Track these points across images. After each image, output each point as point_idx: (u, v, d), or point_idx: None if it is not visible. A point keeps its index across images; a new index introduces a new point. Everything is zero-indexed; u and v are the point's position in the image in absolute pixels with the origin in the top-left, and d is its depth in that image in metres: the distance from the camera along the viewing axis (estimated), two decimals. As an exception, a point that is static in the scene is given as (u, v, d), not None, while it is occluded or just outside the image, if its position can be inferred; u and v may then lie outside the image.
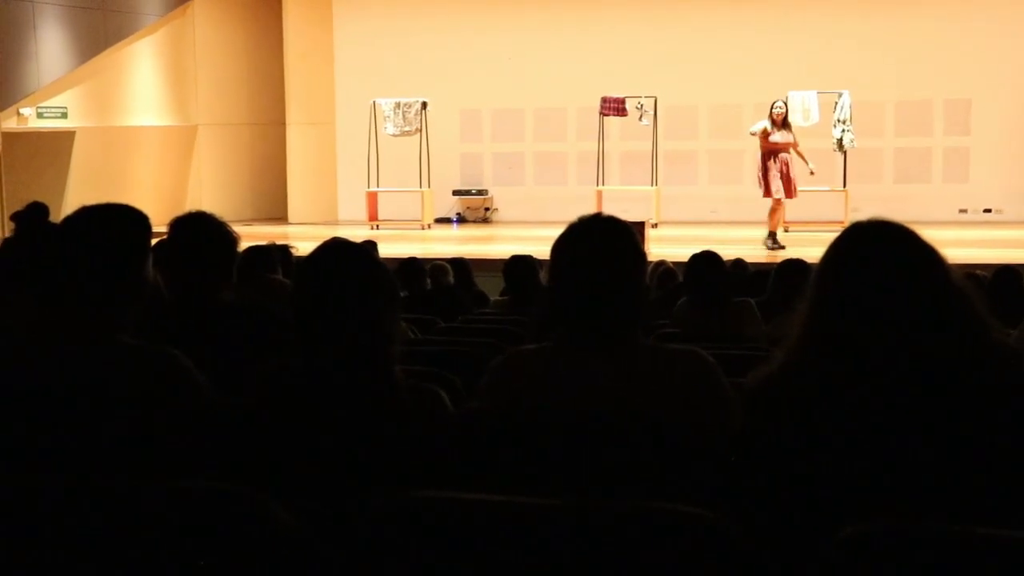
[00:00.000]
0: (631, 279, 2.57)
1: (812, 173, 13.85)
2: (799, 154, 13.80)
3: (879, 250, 2.18)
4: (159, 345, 2.70)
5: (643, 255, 2.65)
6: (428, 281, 7.81)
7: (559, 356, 2.61)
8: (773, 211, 13.82)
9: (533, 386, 2.58)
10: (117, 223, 2.78)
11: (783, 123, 13.74)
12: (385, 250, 9.00)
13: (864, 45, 16.82)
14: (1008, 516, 1.94)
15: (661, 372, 2.54)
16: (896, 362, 2.08)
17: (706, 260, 5.70)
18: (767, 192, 13.77)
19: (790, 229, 15.08)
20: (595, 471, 2.32)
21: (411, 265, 7.68)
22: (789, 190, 13.72)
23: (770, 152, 13.73)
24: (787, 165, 13.68)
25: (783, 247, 13.39)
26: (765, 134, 13.69)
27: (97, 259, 2.70)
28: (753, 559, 1.75)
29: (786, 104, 14.07)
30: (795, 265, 6.07)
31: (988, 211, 16.88)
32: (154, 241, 2.92)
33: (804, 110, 15.67)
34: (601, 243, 2.58)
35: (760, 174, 13.82)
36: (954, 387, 2.05)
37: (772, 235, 13.69)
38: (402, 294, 7.37)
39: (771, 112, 13.75)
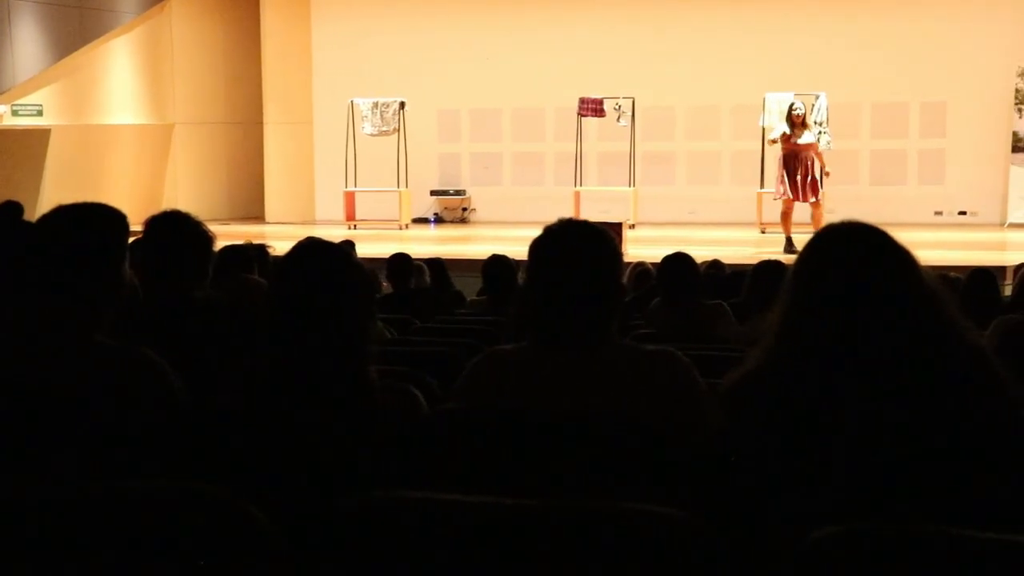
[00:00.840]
0: (606, 281, 2.59)
1: (827, 174, 13.65)
2: (818, 156, 13.57)
3: (852, 252, 2.19)
4: (135, 346, 2.69)
5: (619, 257, 2.66)
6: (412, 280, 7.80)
7: (536, 356, 2.61)
8: (785, 215, 13.51)
9: (511, 386, 2.59)
10: (95, 223, 2.77)
11: (803, 123, 13.50)
12: (363, 250, 8.98)
13: (841, 48, 16.90)
14: (983, 516, 1.95)
15: (637, 372, 2.55)
16: (870, 363, 2.09)
17: (677, 262, 5.75)
18: (783, 194, 13.50)
19: (767, 231, 15.15)
20: (571, 472, 2.33)
21: (399, 261, 7.66)
22: (810, 192, 13.34)
23: (793, 154, 13.43)
24: (809, 167, 13.39)
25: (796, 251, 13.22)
26: (786, 137, 13.45)
27: (74, 259, 2.68)
28: (727, 559, 1.75)
29: (804, 104, 13.87)
30: (771, 266, 6.08)
31: (963, 213, 16.97)
32: (130, 240, 2.90)
33: (781, 112, 15.74)
34: (576, 245, 2.59)
35: (781, 175, 13.50)
36: (927, 388, 2.06)
37: (788, 239, 13.30)
38: (387, 290, 7.40)
39: (790, 113, 13.55)
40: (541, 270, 2.60)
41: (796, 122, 13.48)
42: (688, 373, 2.59)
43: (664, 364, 2.58)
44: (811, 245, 2.25)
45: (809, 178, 13.39)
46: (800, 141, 13.42)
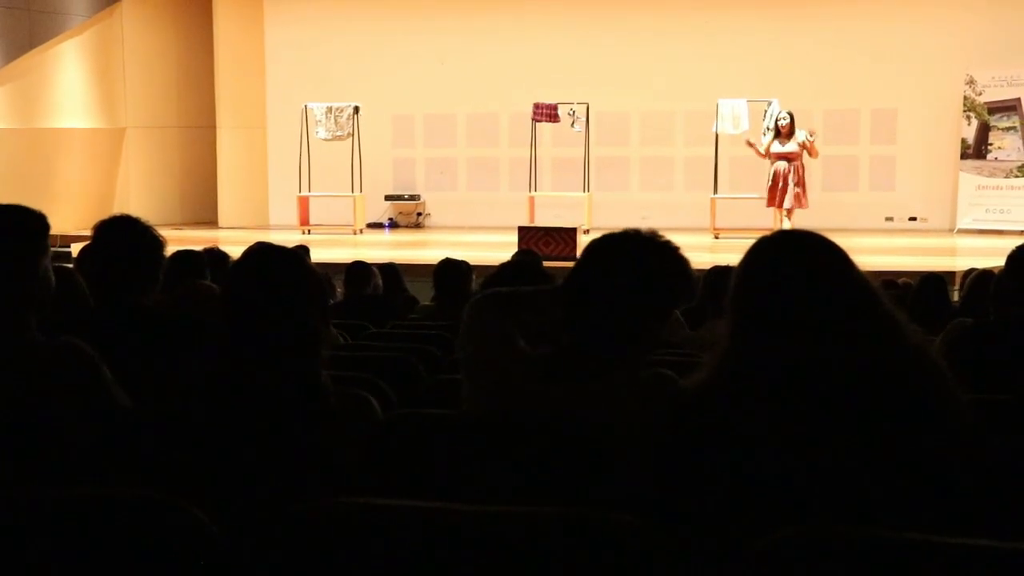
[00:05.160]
0: (668, 307, 2.65)
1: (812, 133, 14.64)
2: (807, 152, 14.53)
3: (784, 258, 2.20)
4: (63, 338, 2.68)
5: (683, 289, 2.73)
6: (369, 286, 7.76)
7: (539, 365, 2.59)
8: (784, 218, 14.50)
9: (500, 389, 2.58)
10: (10, 225, 2.76)
11: (789, 133, 14.49)
12: (317, 255, 8.94)
13: (793, 55, 17.03)
14: (935, 522, 1.97)
15: (635, 399, 2.53)
16: (811, 370, 2.10)
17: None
18: (768, 202, 14.62)
19: (720, 236, 15.23)
20: (528, 476, 2.32)
21: (358, 269, 7.63)
22: (785, 200, 14.29)
23: (773, 163, 14.60)
24: (789, 176, 14.38)
25: None
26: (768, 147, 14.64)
27: None
28: (683, 565, 1.76)
29: (791, 115, 14.65)
30: (723, 272, 6.12)
31: (914, 219, 17.14)
32: (79, 246, 2.89)
33: (734, 118, 15.84)
34: (653, 260, 2.67)
35: (768, 183, 14.65)
36: (872, 391, 2.07)
37: None
38: (341, 297, 7.36)
39: (776, 124, 14.56)
40: (607, 274, 2.58)
41: (783, 132, 14.50)
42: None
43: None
44: (746, 258, 2.27)
45: (786, 186, 14.32)
46: (776, 149, 14.50)
